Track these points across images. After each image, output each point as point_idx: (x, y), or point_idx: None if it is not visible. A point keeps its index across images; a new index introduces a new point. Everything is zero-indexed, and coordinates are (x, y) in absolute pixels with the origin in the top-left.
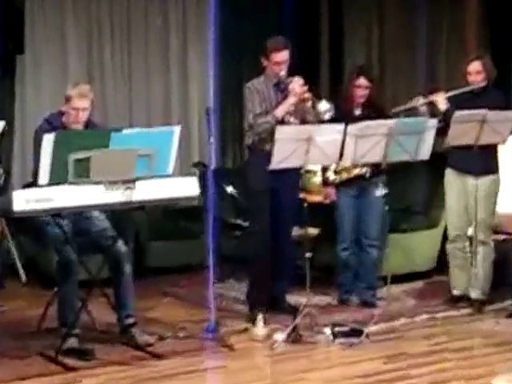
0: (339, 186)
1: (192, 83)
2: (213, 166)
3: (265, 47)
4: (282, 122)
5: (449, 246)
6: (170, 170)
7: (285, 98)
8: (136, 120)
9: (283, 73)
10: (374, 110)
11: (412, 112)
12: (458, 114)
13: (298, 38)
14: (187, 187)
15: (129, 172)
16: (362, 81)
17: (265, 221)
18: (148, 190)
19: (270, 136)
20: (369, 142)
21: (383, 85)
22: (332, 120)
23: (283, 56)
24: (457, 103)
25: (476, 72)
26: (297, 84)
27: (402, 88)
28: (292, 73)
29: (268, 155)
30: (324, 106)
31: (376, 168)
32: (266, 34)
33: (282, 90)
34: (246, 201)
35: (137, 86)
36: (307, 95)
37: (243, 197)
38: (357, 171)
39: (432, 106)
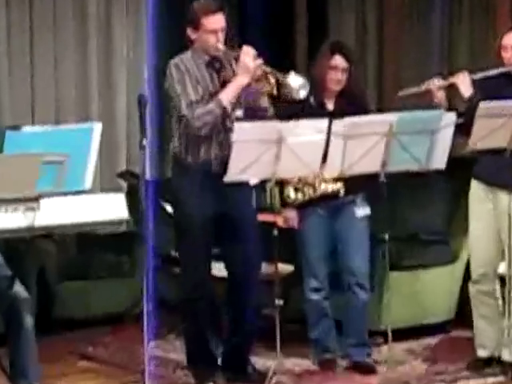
0: (303, 205)
1: (117, 63)
2: (147, 176)
3: (191, 12)
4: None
5: (472, 289)
6: (88, 183)
7: (224, 81)
8: (40, 116)
9: (221, 45)
10: (354, 102)
11: (424, 100)
12: (485, 105)
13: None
14: (112, 207)
15: (30, 186)
16: (339, 60)
17: (197, 256)
18: (57, 212)
19: (213, 134)
20: (362, 145)
21: (382, 68)
22: (296, 115)
23: (218, 20)
24: (486, 90)
25: None
26: (247, 56)
27: (407, 73)
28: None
29: (207, 165)
30: (295, 79)
31: (352, 183)
32: None
33: (217, 69)
34: (175, 229)
35: (41, 68)
36: (266, 69)
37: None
38: (327, 187)
39: (452, 91)
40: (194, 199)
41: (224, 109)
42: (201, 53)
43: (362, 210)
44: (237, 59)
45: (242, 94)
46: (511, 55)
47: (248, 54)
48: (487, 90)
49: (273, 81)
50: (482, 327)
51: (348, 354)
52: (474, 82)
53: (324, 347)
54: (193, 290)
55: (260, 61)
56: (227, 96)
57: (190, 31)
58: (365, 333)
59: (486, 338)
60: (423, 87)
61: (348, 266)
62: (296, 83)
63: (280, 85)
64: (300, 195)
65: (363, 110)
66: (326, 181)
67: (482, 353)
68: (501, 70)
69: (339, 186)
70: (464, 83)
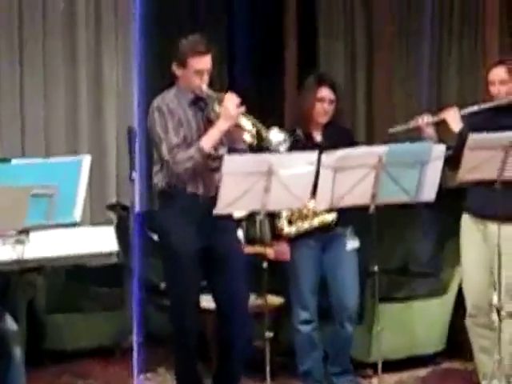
0: (296, 238)
1: (107, 94)
2: (137, 208)
3: (179, 50)
4: (208, 155)
5: (469, 323)
6: (78, 215)
7: (208, 120)
8: (30, 147)
9: (205, 86)
10: (341, 134)
11: (414, 135)
12: (474, 137)
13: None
14: (101, 240)
15: (19, 219)
16: (325, 92)
17: (185, 289)
18: (47, 245)
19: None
20: (352, 177)
21: (371, 97)
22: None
23: (205, 62)
24: (475, 124)
25: (500, 81)
26: (230, 103)
27: (397, 100)
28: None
29: (193, 200)
30: (276, 135)
31: (343, 214)
32: (210, 26)
33: (201, 108)
34: (162, 262)
35: (31, 100)
36: (247, 119)
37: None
38: (321, 219)
39: (441, 127)
40: (180, 233)
41: (205, 154)
42: (185, 91)
43: (352, 243)
44: (220, 101)
45: (224, 137)
46: (498, 90)
47: (232, 100)
48: (476, 123)
49: (254, 132)
50: (482, 361)
51: (333, 382)
52: (464, 116)
53: (315, 379)
54: (181, 323)
55: (242, 109)
56: (208, 142)
57: (175, 67)
58: (348, 361)
59: (489, 370)
60: (412, 124)
61: (339, 302)
62: (277, 139)
63: (260, 136)
64: (294, 228)
65: (351, 142)
66: (319, 212)
67: None
68: (489, 104)
69: (333, 216)
70: (453, 118)
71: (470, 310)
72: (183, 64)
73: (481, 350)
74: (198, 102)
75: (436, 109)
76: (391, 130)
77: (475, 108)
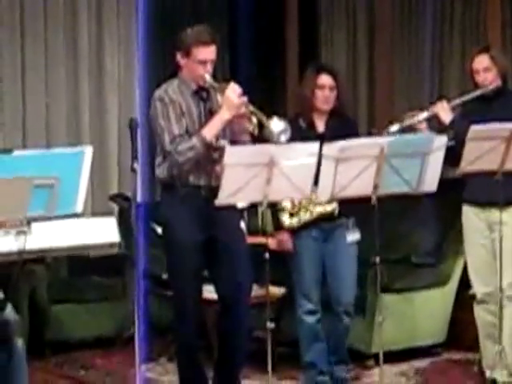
0: (298, 229)
1: (109, 85)
2: (138, 199)
3: (182, 39)
4: (210, 146)
5: (477, 310)
6: (80, 206)
7: (210, 111)
8: (32, 138)
9: (208, 76)
10: (344, 124)
11: (412, 131)
12: (475, 128)
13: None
14: (103, 230)
15: (22, 210)
16: (325, 79)
17: (188, 280)
18: (48, 235)
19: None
20: (353, 169)
21: (373, 88)
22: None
23: (209, 53)
24: (466, 113)
25: (484, 69)
26: (232, 92)
27: (399, 91)
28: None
29: (196, 190)
30: (277, 124)
31: (345, 205)
32: (212, 16)
33: (204, 98)
34: (165, 253)
35: (32, 91)
36: (250, 108)
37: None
38: (322, 209)
39: (436, 120)
40: (183, 224)
41: (207, 144)
42: (188, 81)
43: (353, 235)
44: (223, 92)
45: (226, 127)
46: (484, 77)
47: (234, 90)
48: (466, 113)
49: (255, 121)
50: (488, 349)
51: (330, 371)
52: (454, 107)
53: (318, 370)
54: (183, 313)
55: (245, 99)
56: (210, 131)
57: (179, 56)
58: (345, 351)
59: (494, 358)
60: (407, 123)
61: (336, 296)
62: (277, 128)
63: (262, 126)
64: (295, 220)
65: (354, 133)
66: (320, 203)
67: (490, 374)
68: (476, 93)
69: (334, 206)
70: (443, 111)
71: (480, 297)
72: (187, 53)
73: (487, 337)
74: (201, 93)
75: (427, 104)
76: (390, 130)
77: (462, 99)
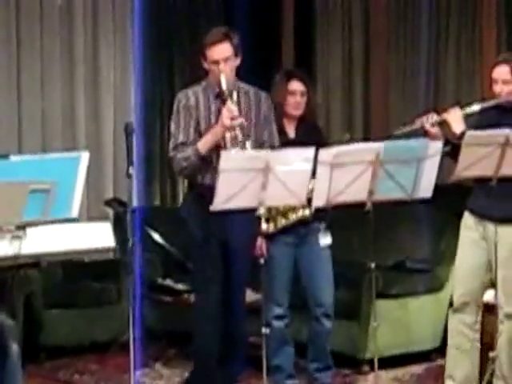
0: (272, 234)
1: (105, 90)
2: (134, 204)
3: (201, 44)
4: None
5: (452, 317)
6: (75, 211)
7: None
8: (27, 143)
9: (223, 78)
10: (312, 130)
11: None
12: (471, 134)
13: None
14: (98, 235)
15: (17, 214)
16: (296, 84)
17: (209, 284)
18: (44, 240)
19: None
20: (348, 174)
21: (369, 96)
22: None
23: (219, 51)
24: (478, 124)
25: (503, 81)
26: (226, 113)
27: (393, 101)
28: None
29: (209, 190)
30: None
31: (317, 209)
32: (210, 17)
33: (224, 102)
34: (190, 255)
35: (28, 96)
36: (237, 122)
37: (186, 250)
38: (297, 215)
39: (444, 127)
40: (197, 221)
41: (201, 156)
42: (213, 84)
43: (324, 239)
44: (239, 93)
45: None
46: (501, 89)
47: (230, 111)
48: (478, 123)
49: (239, 137)
50: (455, 358)
51: (315, 378)
52: (467, 117)
53: (287, 374)
54: (206, 319)
55: (238, 121)
56: (204, 145)
57: (203, 61)
58: (329, 356)
59: (458, 370)
60: (417, 124)
61: (315, 298)
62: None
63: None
64: (272, 225)
65: (319, 140)
66: (295, 208)
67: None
68: (488, 103)
69: (310, 211)
70: (455, 119)
71: (457, 304)
72: (204, 57)
73: (455, 347)
74: (220, 97)
75: (439, 108)
76: (396, 132)
77: (476, 107)
